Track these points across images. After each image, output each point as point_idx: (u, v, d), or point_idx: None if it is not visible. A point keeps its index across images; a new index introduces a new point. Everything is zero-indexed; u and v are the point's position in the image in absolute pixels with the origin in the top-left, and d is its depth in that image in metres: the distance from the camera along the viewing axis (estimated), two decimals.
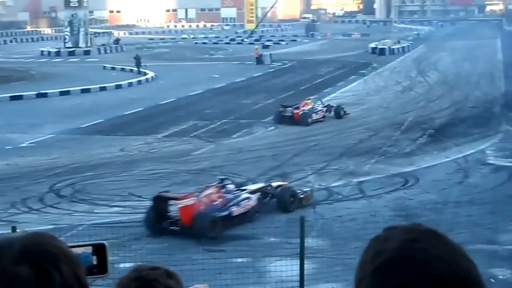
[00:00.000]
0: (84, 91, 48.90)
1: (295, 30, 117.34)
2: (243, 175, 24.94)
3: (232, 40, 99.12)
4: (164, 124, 35.81)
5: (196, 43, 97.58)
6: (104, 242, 2.68)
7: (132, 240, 18.31)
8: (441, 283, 1.70)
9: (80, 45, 79.53)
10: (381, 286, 1.74)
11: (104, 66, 63.58)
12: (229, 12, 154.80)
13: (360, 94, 45.54)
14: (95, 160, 28.25)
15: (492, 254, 16.54)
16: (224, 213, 19.24)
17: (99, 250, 2.63)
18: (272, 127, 34.89)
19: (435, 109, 38.91)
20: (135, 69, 59.13)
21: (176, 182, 24.47)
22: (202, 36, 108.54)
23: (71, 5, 79.19)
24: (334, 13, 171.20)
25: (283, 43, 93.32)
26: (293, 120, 34.72)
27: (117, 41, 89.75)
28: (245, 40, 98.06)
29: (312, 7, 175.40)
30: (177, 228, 18.52)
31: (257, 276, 15.35)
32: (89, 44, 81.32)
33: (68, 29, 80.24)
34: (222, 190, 20.08)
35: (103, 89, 49.91)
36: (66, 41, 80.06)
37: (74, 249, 2.59)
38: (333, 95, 45.62)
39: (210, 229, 18.22)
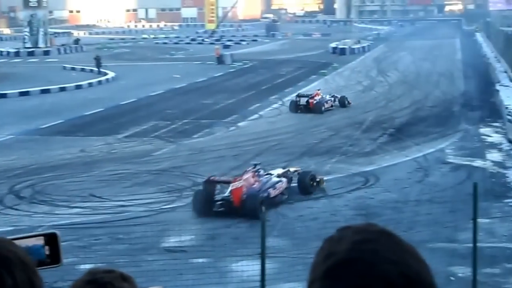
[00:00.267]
0: (44, 91, 48.51)
1: (256, 30, 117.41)
2: (204, 175, 24.88)
3: (193, 40, 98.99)
4: (124, 124, 35.64)
5: (156, 43, 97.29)
6: (56, 231, 2.65)
7: (93, 241, 18.19)
8: (390, 286, 1.69)
9: (39, 45, 78.89)
10: None
11: (64, 67, 63.11)
12: (189, 12, 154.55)
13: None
14: (55, 161, 28.03)
15: (452, 252, 16.67)
16: (264, 195, 20.58)
17: (51, 240, 2.60)
18: (233, 127, 34.91)
19: (395, 108, 39.15)
20: (95, 69, 58.80)
21: (137, 182, 24.38)
22: (163, 36, 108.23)
23: (30, 5, 78.50)
24: (294, 13, 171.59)
25: (244, 43, 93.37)
26: (308, 109, 37.86)
27: (77, 41, 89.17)
28: (206, 40, 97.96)
29: (273, 7, 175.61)
30: (224, 209, 19.94)
31: (218, 276, 15.33)
32: (48, 44, 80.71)
33: (27, 29, 79.54)
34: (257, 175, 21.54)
35: (63, 89, 49.53)
36: (25, 41, 79.39)
37: (25, 240, 2.55)
38: (294, 94, 45.68)
39: (259, 209, 19.12)
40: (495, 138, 31.28)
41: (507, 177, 24.37)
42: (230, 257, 16.50)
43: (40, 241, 2.59)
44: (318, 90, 40.54)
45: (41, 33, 79.08)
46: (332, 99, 39.44)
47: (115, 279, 2.38)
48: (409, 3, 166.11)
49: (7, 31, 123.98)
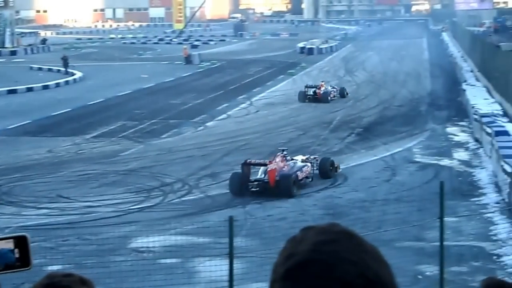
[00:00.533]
0: (11, 92, 48.15)
1: (224, 30, 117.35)
2: (173, 175, 24.86)
3: (160, 40, 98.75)
4: (92, 124, 35.48)
5: (124, 43, 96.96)
6: (26, 234, 2.63)
7: (60, 242, 18.09)
8: (348, 287, 1.70)
9: (6, 46, 78.27)
10: None
11: (31, 67, 62.66)
12: (157, 11, 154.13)
13: (289, 94, 45.71)
14: (23, 161, 27.84)
15: (420, 251, 16.76)
16: (293, 177, 22.44)
17: (21, 242, 2.59)
18: (202, 127, 34.89)
19: (363, 108, 39.31)
20: (63, 69, 58.50)
21: (105, 183, 24.28)
22: (131, 36, 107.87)
23: None
24: (262, 13, 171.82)
25: (212, 43, 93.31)
26: (316, 99, 40.91)
27: (44, 41, 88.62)
28: (174, 40, 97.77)
29: (241, 7, 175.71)
30: (259, 189, 21.93)
31: (187, 276, 15.31)
32: (15, 44, 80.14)
33: None
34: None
35: (30, 90, 49.19)
36: None
37: None
38: (262, 94, 45.78)
39: (292, 188, 21.86)
40: (462, 137, 31.51)
41: (474, 175, 24.55)
42: (199, 257, 16.48)
43: (9, 244, 2.57)
44: (322, 82, 43.47)
45: (7, 33, 78.48)
46: (334, 90, 42.53)
47: (74, 283, 2.36)
48: (376, 3, 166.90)
49: None
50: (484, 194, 22.12)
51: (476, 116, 30.72)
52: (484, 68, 43.82)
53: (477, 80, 43.97)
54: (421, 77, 52.81)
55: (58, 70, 59.17)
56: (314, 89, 41.65)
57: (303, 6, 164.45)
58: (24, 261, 2.56)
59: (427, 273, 15.39)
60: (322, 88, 41.61)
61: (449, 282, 14.24)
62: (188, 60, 66.65)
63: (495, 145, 24.28)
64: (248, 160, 23.23)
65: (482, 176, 24.35)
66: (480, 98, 35.34)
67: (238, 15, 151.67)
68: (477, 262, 16.44)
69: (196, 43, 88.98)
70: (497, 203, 21.07)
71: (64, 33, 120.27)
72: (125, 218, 20.05)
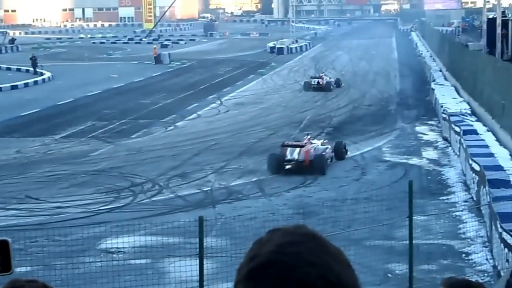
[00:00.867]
0: None
1: (194, 30, 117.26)
2: (143, 175, 24.78)
3: (130, 39, 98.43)
4: (61, 125, 35.29)
5: (94, 42, 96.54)
6: (7, 238, 2.60)
7: (29, 243, 17.97)
8: None
9: None
10: None
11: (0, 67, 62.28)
12: (127, 11, 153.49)
13: (259, 93, 45.79)
14: None
15: (389, 249, 16.84)
16: (325, 157, 25.35)
17: (2, 247, 2.55)
18: (172, 127, 34.82)
19: (333, 107, 39.43)
20: (32, 69, 58.14)
21: (74, 183, 24.15)
22: (100, 35, 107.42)
23: None
24: (232, 13, 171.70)
25: (181, 42, 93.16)
26: (320, 88, 44.90)
27: (12, 41, 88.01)
28: (144, 39, 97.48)
29: (211, 7, 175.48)
30: (294, 168, 24.35)
31: (157, 277, 15.26)
32: None
33: None
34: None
35: None
36: None
37: None
38: (232, 94, 45.78)
39: (325, 166, 24.81)
40: (431, 136, 31.71)
41: (443, 174, 24.71)
42: (169, 257, 16.44)
43: None
44: (323, 73, 48.54)
45: None
46: (332, 81, 46.71)
47: None
48: (346, 2, 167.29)
49: None
50: (452, 192, 22.27)
51: (444, 115, 30.91)
52: (453, 68, 44.11)
53: (446, 79, 44.24)
54: (390, 77, 53.07)
55: (27, 70, 58.80)
56: (317, 79, 45.68)
57: (273, 5, 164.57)
58: (5, 265, 2.53)
59: (397, 272, 15.47)
60: (325, 78, 45.83)
61: (419, 280, 14.32)
62: (158, 59, 66.49)
63: (463, 143, 24.45)
64: (286, 142, 26.17)
65: (451, 174, 24.52)
66: (448, 97, 35.57)
67: (208, 15, 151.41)
68: (446, 260, 16.55)
69: (166, 42, 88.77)
70: (466, 201, 21.23)
71: (33, 33, 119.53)
72: (95, 219, 19.95)
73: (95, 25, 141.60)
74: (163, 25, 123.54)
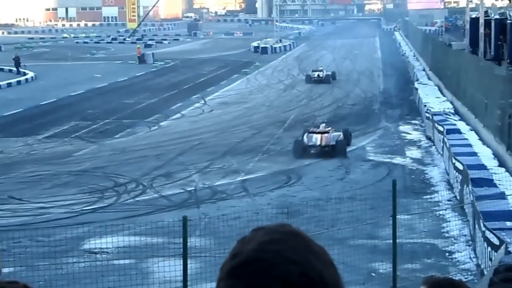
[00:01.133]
0: None
1: (178, 29, 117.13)
2: (127, 175, 24.72)
3: (114, 39, 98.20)
4: (44, 125, 35.17)
5: (77, 42, 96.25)
6: None
7: (12, 244, 17.89)
8: (289, 285, 1.72)
9: None
10: (232, 287, 1.75)
11: None
12: (110, 11, 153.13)
13: (243, 93, 45.79)
14: None
15: (373, 248, 16.87)
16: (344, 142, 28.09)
17: None
18: (156, 127, 34.77)
19: (317, 107, 39.47)
20: (15, 69, 57.92)
21: (58, 184, 24.07)
22: (83, 35, 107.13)
23: None
24: (216, 12, 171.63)
25: (165, 42, 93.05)
26: (320, 80, 48.13)
27: None
28: (127, 39, 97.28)
29: (194, 6, 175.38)
30: (315, 152, 27.19)
31: (141, 277, 15.22)
32: None
33: None
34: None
35: None
36: None
37: None
38: (216, 93, 45.76)
39: (346, 150, 27.43)
40: (414, 135, 31.80)
41: (426, 173, 24.78)
42: (153, 257, 16.40)
43: None
44: (321, 67, 51.86)
45: None
46: (329, 74, 49.69)
47: None
48: (330, 2, 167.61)
49: None
50: (436, 191, 22.35)
51: (428, 115, 31.00)
52: (436, 67, 44.23)
53: (429, 78, 44.37)
54: (374, 76, 53.19)
55: (10, 70, 58.58)
56: (318, 72, 48.97)
57: (257, 5, 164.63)
58: None
59: (381, 271, 15.49)
60: (325, 72, 49.17)
61: (402, 279, 14.35)
62: (141, 59, 66.37)
63: (446, 143, 24.52)
64: (311, 129, 28.54)
65: (434, 174, 24.60)
66: (432, 96, 35.66)
67: (192, 15, 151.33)
68: (429, 259, 16.60)
69: (149, 42, 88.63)
70: (449, 200, 21.31)
71: (16, 33, 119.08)
72: (79, 219, 19.89)
73: (78, 25, 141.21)
74: (147, 25, 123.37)
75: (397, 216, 13.58)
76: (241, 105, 40.57)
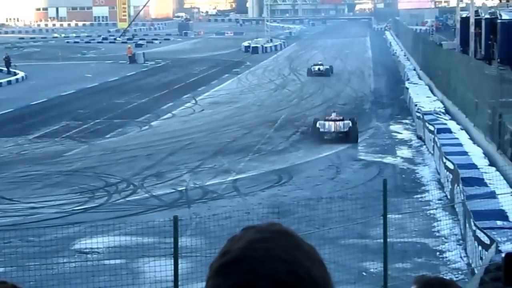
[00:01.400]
0: None
1: (168, 29, 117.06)
2: (117, 175, 24.69)
3: (104, 39, 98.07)
4: (35, 125, 35.09)
5: (68, 42, 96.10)
6: None
7: (3, 244, 17.85)
8: (277, 283, 1.72)
9: None
10: (220, 285, 1.76)
11: None
12: (101, 10, 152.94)
13: (233, 93, 45.79)
14: None
15: (364, 248, 16.89)
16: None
17: None
18: (146, 127, 34.74)
19: (308, 106, 39.49)
20: (5, 69, 57.81)
21: (49, 184, 24.02)
22: (74, 35, 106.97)
23: None
24: (207, 12, 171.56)
25: (156, 42, 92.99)
26: (320, 73, 51.19)
27: None
28: (118, 39, 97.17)
29: (185, 6, 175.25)
30: (330, 138, 29.47)
31: (132, 277, 15.21)
32: None
33: None
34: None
35: None
36: None
37: None
38: (207, 93, 45.73)
39: (357, 135, 29.88)
40: (405, 134, 31.85)
41: (417, 173, 24.83)
42: (144, 257, 16.39)
43: None
44: (320, 61, 54.79)
45: None
46: (329, 67, 53.04)
47: None
48: (320, 2, 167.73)
49: None
50: (427, 191, 22.39)
51: (418, 114, 31.05)
52: (427, 66, 44.30)
53: (420, 78, 44.43)
54: (364, 76, 53.26)
55: (0, 70, 58.43)
56: (318, 66, 52.26)
57: (247, 5, 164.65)
58: None
59: (372, 270, 15.51)
60: (324, 66, 52.45)
61: (393, 278, 14.38)
62: (132, 59, 66.30)
63: (437, 142, 24.57)
64: (326, 117, 30.60)
65: (425, 173, 24.64)
66: (422, 96, 35.72)
67: (183, 14, 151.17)
68: (420, 258, 16.63)
69: (140, 42, 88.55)
70: (440, 199, 21.35)
71: (6, 32, 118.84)
72: (69, 219, 19.86)
73: (69, 25, 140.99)
74: (138, 25, 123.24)
75: (388, 216, 13.60)
76: (232, 105, 40.56)
